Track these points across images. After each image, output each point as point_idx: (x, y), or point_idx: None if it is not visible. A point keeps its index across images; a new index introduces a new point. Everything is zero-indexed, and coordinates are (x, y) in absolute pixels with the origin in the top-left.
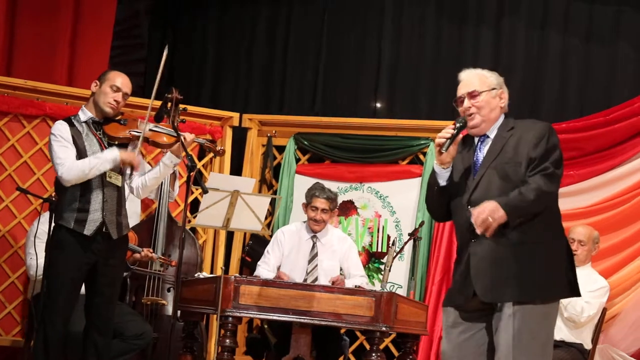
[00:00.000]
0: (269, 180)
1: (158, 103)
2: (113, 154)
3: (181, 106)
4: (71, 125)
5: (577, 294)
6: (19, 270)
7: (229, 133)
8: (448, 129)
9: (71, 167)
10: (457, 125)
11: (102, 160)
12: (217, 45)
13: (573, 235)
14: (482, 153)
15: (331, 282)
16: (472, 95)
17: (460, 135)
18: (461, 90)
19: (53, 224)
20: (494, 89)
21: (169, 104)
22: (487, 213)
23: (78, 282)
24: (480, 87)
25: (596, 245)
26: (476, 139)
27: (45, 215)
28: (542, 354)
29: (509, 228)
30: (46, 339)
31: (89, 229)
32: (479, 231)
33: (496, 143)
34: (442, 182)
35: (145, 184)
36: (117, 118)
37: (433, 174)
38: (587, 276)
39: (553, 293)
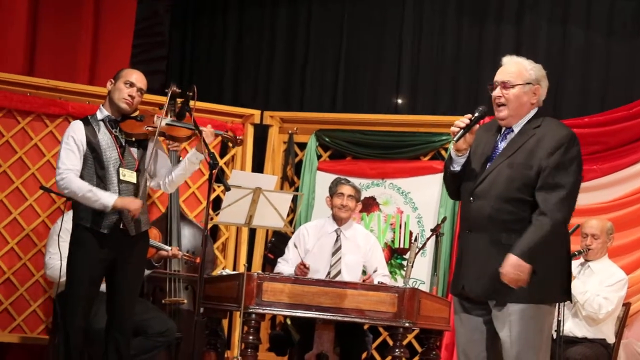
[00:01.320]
0: (291, 177)
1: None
2: (108, 201)
3: (192, 102)
4: (87, 124)
5: (568, 298)
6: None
7: (250, 130)
8: (464, 118)
9: (70, 182)
10: (475, 115)
11: (96, 198)
12: (238, 43)
13: (585, 229)
14: (501, 145)
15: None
16: (505, 86)
17: (477, 126)
18: (497, 76)
19: (72, 223)
20: (529, 83)
21: (191, 101)
22: (512, 273)
23: (97, 279)
24: (515, 79)
25: (611, 236)
26: (503, 128)
27: (69, 214)
28: (533, 354)
29: (503, 230)
30: (67, 335)
31: (105, 227)
32: (514, 286)
33: (517, 139)
34: (456, 167)
35: (172, 180)
36: (134, 115)
37: (449, 157)
38: (604, 269)
39: (540, 297)
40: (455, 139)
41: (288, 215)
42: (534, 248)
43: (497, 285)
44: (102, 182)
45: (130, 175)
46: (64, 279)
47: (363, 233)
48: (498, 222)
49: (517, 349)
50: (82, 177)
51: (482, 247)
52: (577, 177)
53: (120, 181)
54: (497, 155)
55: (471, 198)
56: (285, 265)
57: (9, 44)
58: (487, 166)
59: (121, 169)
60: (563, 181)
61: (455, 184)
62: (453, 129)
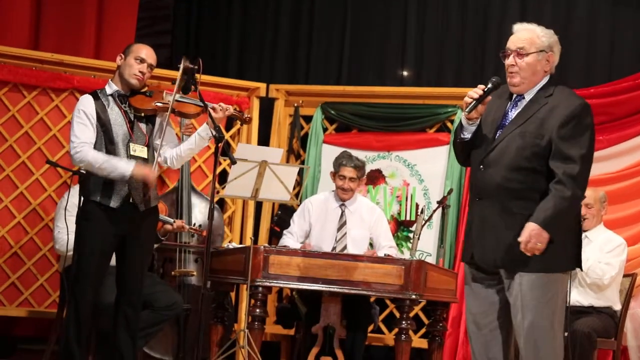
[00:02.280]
0: (297, 150)
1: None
2: (126, 169)
3: (197, 76)
4: (96, 98)
5: (578, 266)
6: (50, 243)
7: (256, 104)
8: (477, 89)
9: (85, 154)
10: (488, 86)
11: (114, 167)
12: (243, 16)
13: None
14: (512, 113)
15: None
16: (519, 54)
17: (489, 97)
18: (509, 44)
19: (82, 198)
20: (542, 51)
21: (196, 75)
22: (533, 241)
23: (107, 253)
24: (529, 47)
25: (604, 204)
26: (514, 95)
27: (76, 188)
28: (547, 322)
29: (513, 199)
30: (77, 309)
31: (115, 201)
32: (529, 254)
33: (529, 107)
34: (467, 135)
35: (180, 155)
36: (143, 90)
37: (460, 124)
38: (601, 236)
39: (552, 265)
40: (467, 110)
41: (294, 188)
42: (554, 218)
43: (509, 254)
44: (113, 155)
45: (141, 150)
46: (71, 253)
47: (368, 206)
48: (508, 191)
49: (530, 319)
50: None
51: (492, 215)
52: (590, 148)
53: (130, 157)
54: (508, 123)
55: (481, 166)
56: (291, 238)
57: (14, 17)
58: (498, 134)
59: (131, 144)
60: (577, 153)
61: (465, 152)
62: (466, 99)
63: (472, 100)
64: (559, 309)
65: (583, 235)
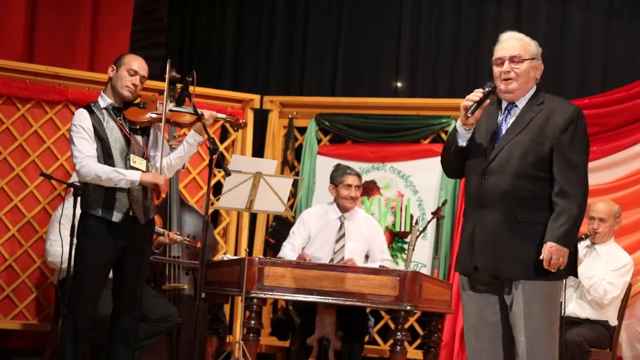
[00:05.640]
0: (291, 162)
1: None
2: (134, 177)
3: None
4: (91, 112)
5: (574, 274)
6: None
7: (250, 115)
8: (477, 92)
9: (91, 168)
10: (486, 90)
11: (121, 177)
12: (237, 28)
13: (593, 213)
14: (506, 122)
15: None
16: (514, 60)
17: (487, 101)
18: (502, 52)
19: (80, 211)
20: (534, 58)
21: (190, 87)
22: (555, 257)
23: (107, 267)
24: (524, 54)
25: (618, 219)
26: (504, 104)
27: (70, 200)
28: (550, 329)
29: (518, 207)
30: (75, 323)
31: (117, 215)
32: (553, 270)
33: (523, 115)
34: (462, 142)
35: (170, 164)
36: (136, 102)
37: (453, 132)
38: (610, 253)
39: (554, 274)
40: (469, 112)
41: (288, 199)
42: (568, 233)
43: (516, 262)
44: None
45: (140, 162)
46: (65, 265)
47: (365, 218)
48: (514, 199)
49: (534, 326)
50: None
51: (496, 224)
52: (588, 151)
53: (129, 168)
54: (505, 132)
55: (484, 175)
56: (291, 251)
57: (8, 30)
58: (496, 142)
59: (131, 156)
60: (578, 159)
61: (460, 160)
62: (466, 103)
63: (472, 103)
64: (558, 317)
65: (592, 247)
